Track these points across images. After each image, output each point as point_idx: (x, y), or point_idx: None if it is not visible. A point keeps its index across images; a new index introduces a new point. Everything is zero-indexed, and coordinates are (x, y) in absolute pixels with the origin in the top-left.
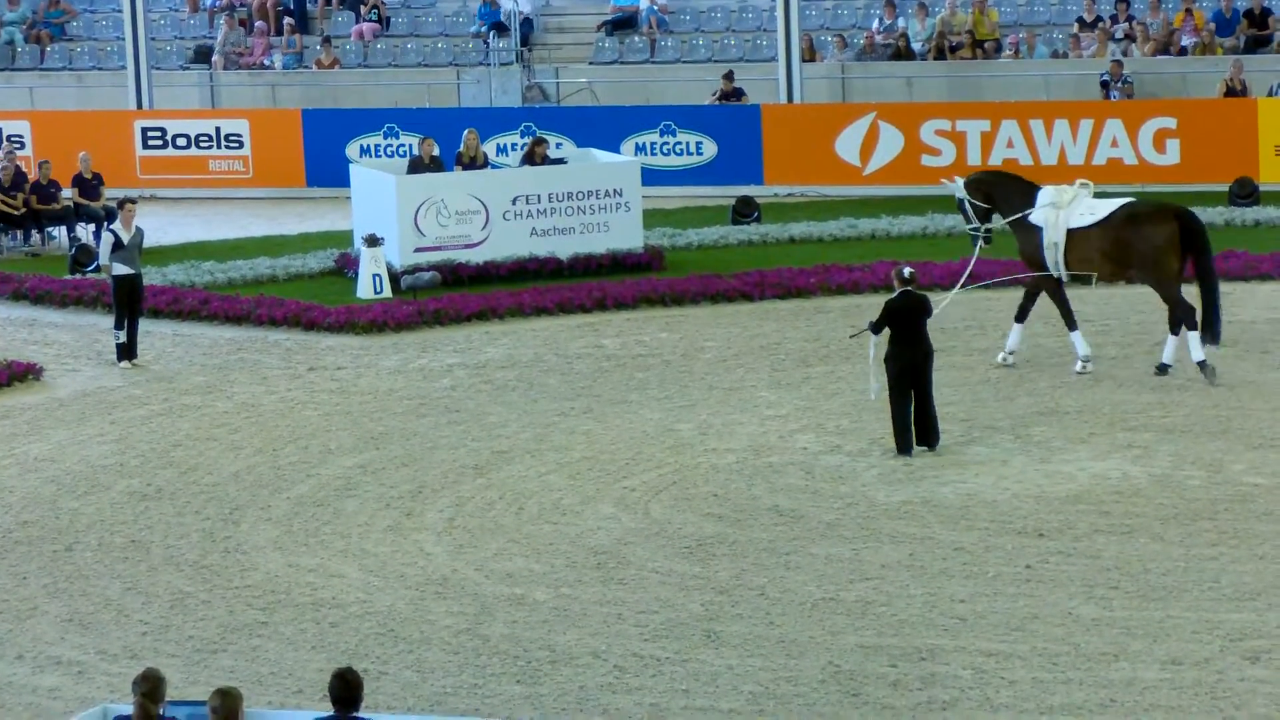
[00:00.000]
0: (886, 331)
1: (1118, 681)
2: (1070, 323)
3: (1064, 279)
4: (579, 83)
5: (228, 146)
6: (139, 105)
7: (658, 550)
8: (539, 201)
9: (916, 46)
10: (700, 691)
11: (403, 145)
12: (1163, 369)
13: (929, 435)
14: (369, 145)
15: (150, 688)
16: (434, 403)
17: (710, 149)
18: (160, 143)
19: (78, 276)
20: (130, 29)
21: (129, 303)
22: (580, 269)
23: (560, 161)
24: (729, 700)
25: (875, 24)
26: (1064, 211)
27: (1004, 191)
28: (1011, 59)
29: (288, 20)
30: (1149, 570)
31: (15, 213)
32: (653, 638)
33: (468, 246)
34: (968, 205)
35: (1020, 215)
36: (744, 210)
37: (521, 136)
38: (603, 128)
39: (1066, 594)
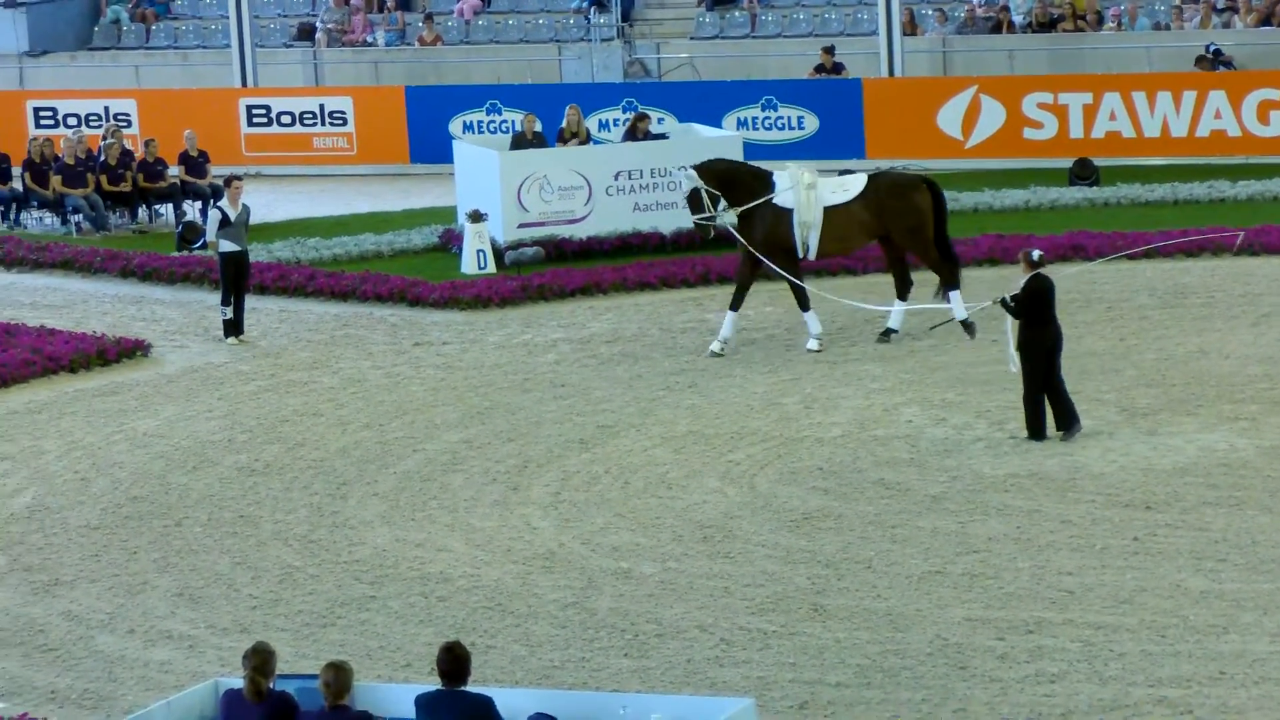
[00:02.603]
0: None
1: (1227, 654)
2: (805, 303)
3: (811, 257)
4: (680, 58)
5: (332, 123)
6: (243, 83)
7: (764, 524)
8: (641, 177)
9: (1017, 19)
10: (807, 665)
11: (505, 121)
12: (969, 327)
13: (1069, 420)
14: (472, 121)
15: (260, 661)
16: (539, 377)
17: (812, 123)
18: (265, 120)
19: (185, 254)
20: (234, 7)
21: (236, 279)
22: (683, 244)
23: (662, 137)
24: (836, 674)
25: None
26: (814, 191)
27: (740, 178)
28: (1114, 31)
29: None
30: (1257, 542)
31: (123, 191)
32: (759, 611)
33: (571, 222)
34: (703, 193)
35: (765, 200)
36: None
37: (623, 112)
38: (704, 103)
39: (1174, 566)
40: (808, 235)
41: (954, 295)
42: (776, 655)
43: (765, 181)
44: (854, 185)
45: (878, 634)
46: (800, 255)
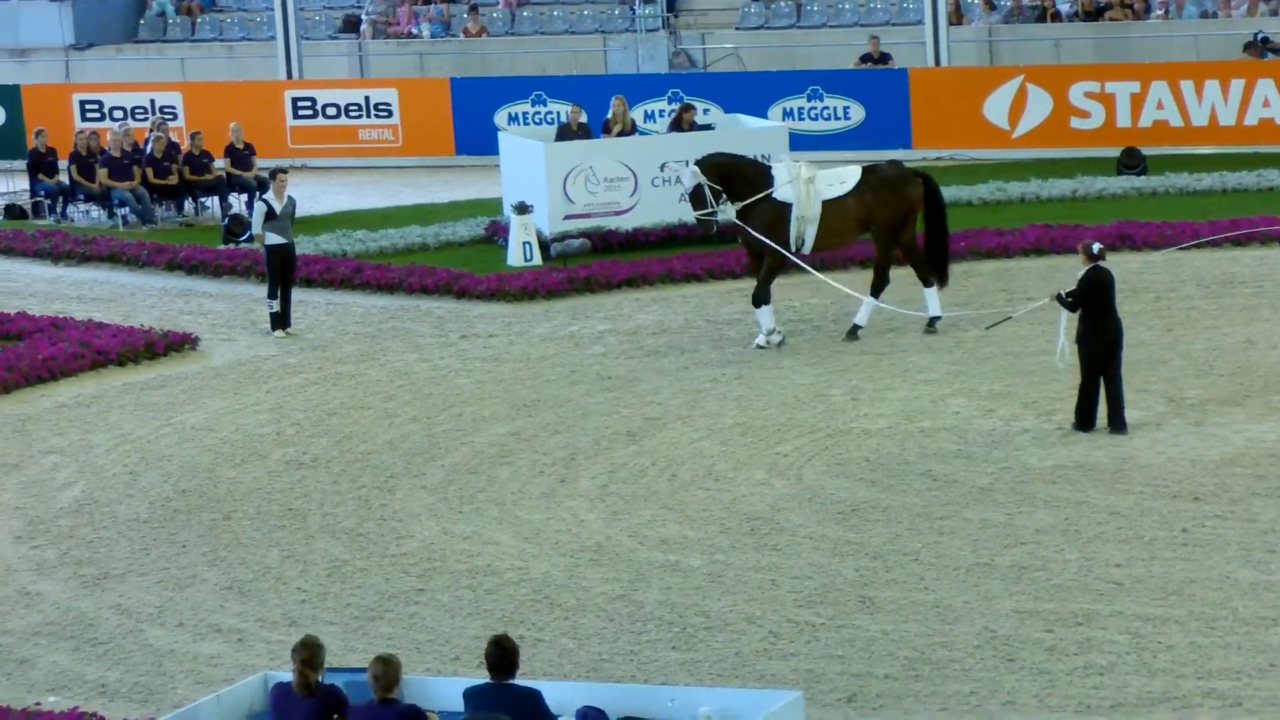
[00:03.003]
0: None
1: (1276, 646)
2: (766, 298)
3: (805, 251)
4: (725, 48)
5: (377, 115)
6: (289, 75)
7: (811, 516)
8: (687, 167)
9: (1064, 8)
10: (855, 657)
11: (550, 112)
12: (933, 323)
13: (1119, 420)
14: (517, 113)
15: (309, 655)
16: (585, 370)
17: (858, 113)
18: (310, 112)
19: (231, 246)
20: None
21: (282, 272)
22: (729, 235)
23: (708, 127)
24: (884, 666)
25: None
26: (813, 185)
27: (740, 173)
28: (1161, 19)
29: None
30: None
31: (169, 184)
32: (807, 603)
33: (617, 213)
34: (706, 189)
35: (764, 194)
36: None
37: (669, 103)
38: (749, 93)
39: (1224, 558)
40: (804, 229)
41: (929, 292)
42: (824, 648)
43: (764, 175)
44: (849, 178)
45: (926, 626)
46: (794, 249)
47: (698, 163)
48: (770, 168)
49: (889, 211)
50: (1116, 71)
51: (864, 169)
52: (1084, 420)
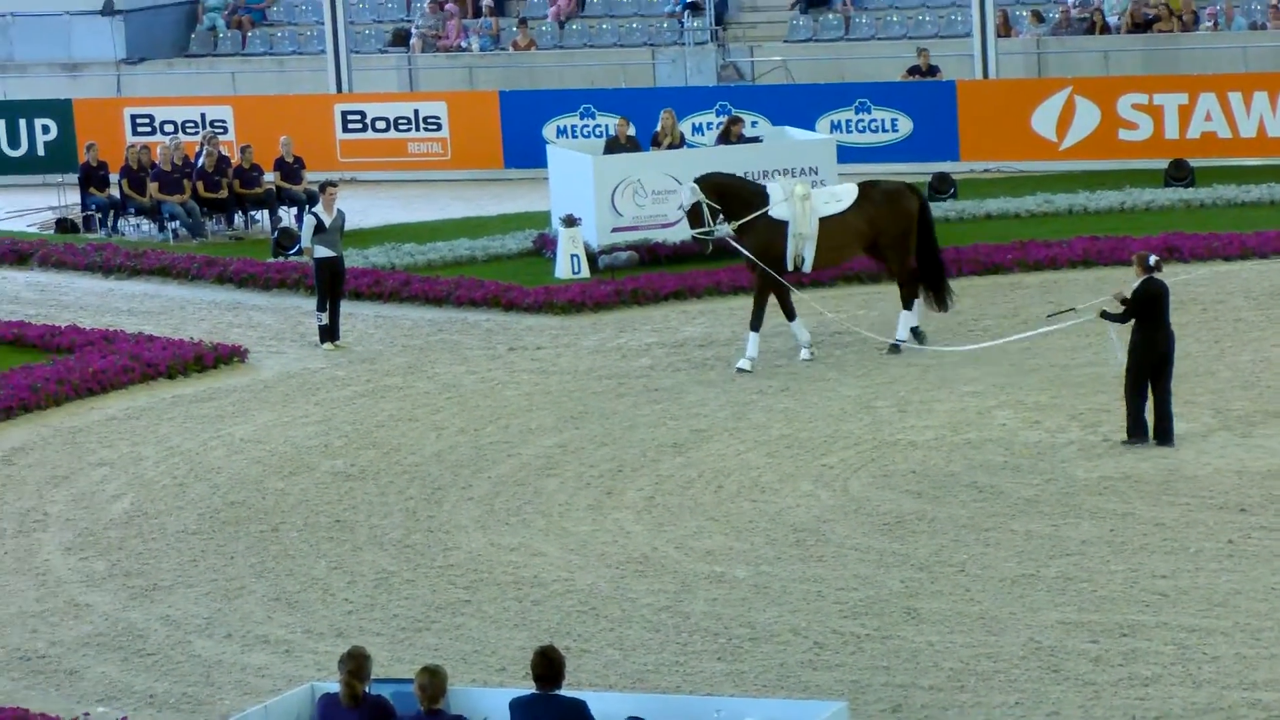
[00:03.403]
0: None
1: None
2: (791, 313)
3: (806, 270)
4: (774, 61)
5: (426, 129)
6: (338, 89)
7: (857, 527)
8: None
9: (1112, 20)
10: (900, 668)
11: (599, 125)
12: (896, 348)
13: (1166, 432)
14: (566, 126)
15: (356, 666)
16: (632, 382)
17: (905, 125)
18: (360, 126)
19: (280, 259)
20: (330, 13)
21: (331, 285)
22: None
23: (756, 140)
24: (929, 677)
25: None
26: (808, 202)
27: (737, 192)
28: (1209, 30)
29: (485, 2)
30: None
31: (219, 197)
32: (852, 614)
33: (664, 226)
34: (704, 207)
35: (761, 212)
36: (940, 187)
37: (717, 115)
38: (798, 106)
39: (1269, 569)
40: (802, 247)
41: (904, 316)
42: (869, 659)
43: (761, 194)
44: (846, 195)
45: (971, 637)
46: (792, 268)
47: (697, 180)
48: (765, 186)
49: (895, 225)
50: (1165, 83)
51: (860, 185)
52: (1135, 432)
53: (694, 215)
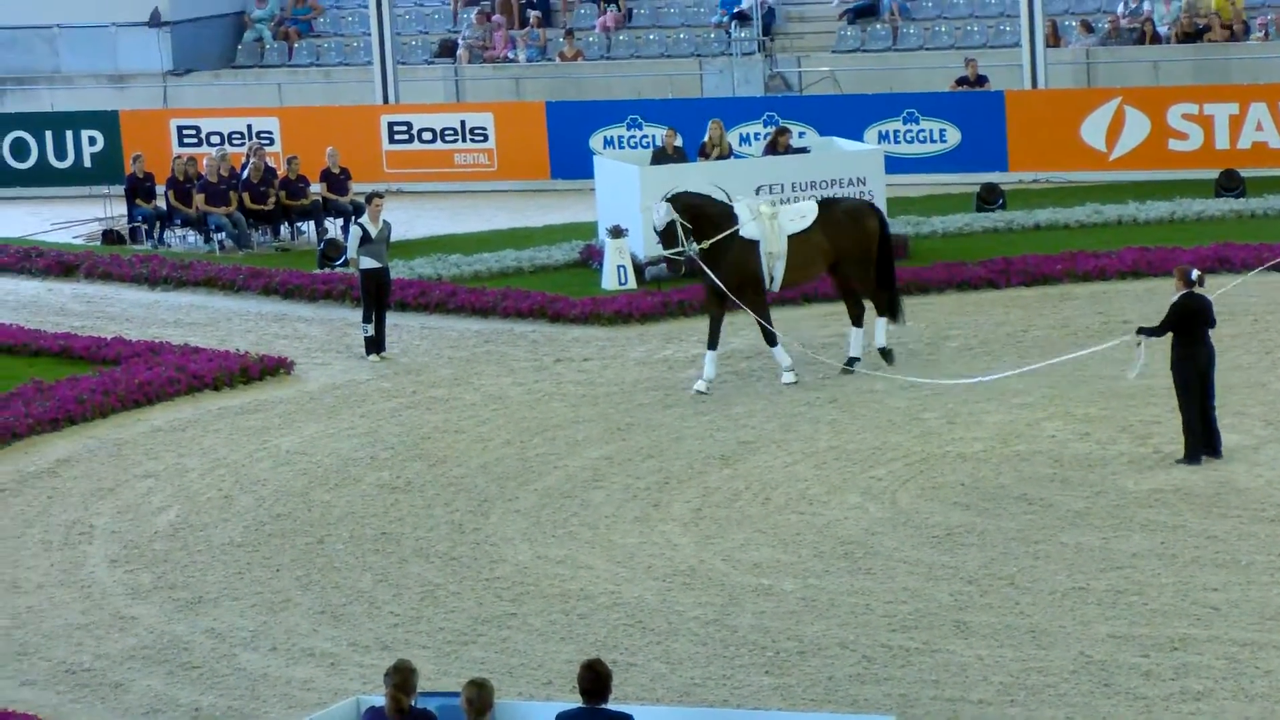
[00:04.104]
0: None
1: None
2: (773, 338)
3: (774, 289)
4: (821, 71)
5: (473, 140)
6: (385, 100)
7: (905, 540)
8: (783, 191)
9: (1162, 30)
10: (950, 682)
11: (646, 136)
12: (852, 363)
13: (1213, 442)
14: (612, 136)
15: (402, 679)
16: (679, 393)
17: (954, 136)
18: (406, 137)
19: (326, 271)
20: (376, 24)
21: (377, 296)
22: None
23: (803, 150)
24: (979, 691)
25: (1120, 8)
26: (776, 220)
27: (706, 212)
28: (1260, 40)
29: (532, 13)
30: None
31: (265, 209)
32: (901, 628)
33: None
34: (679, 226)
35: (731, 231)
36: (989, 197)
37: (764, 126)
38: (845, 116)
39: None
40: (774, 266)
41: (856, 333)
42: (918, 672)
43: (729, 214)
44: (809, 212)
45: (1021, 651)
46: (765, 287)
47: (669, 199)
48: (733, 206)
49: (858, 244)
50: (1215, 93)
51: (820, 202)
52: (1193, 453)
53: (668, 235)
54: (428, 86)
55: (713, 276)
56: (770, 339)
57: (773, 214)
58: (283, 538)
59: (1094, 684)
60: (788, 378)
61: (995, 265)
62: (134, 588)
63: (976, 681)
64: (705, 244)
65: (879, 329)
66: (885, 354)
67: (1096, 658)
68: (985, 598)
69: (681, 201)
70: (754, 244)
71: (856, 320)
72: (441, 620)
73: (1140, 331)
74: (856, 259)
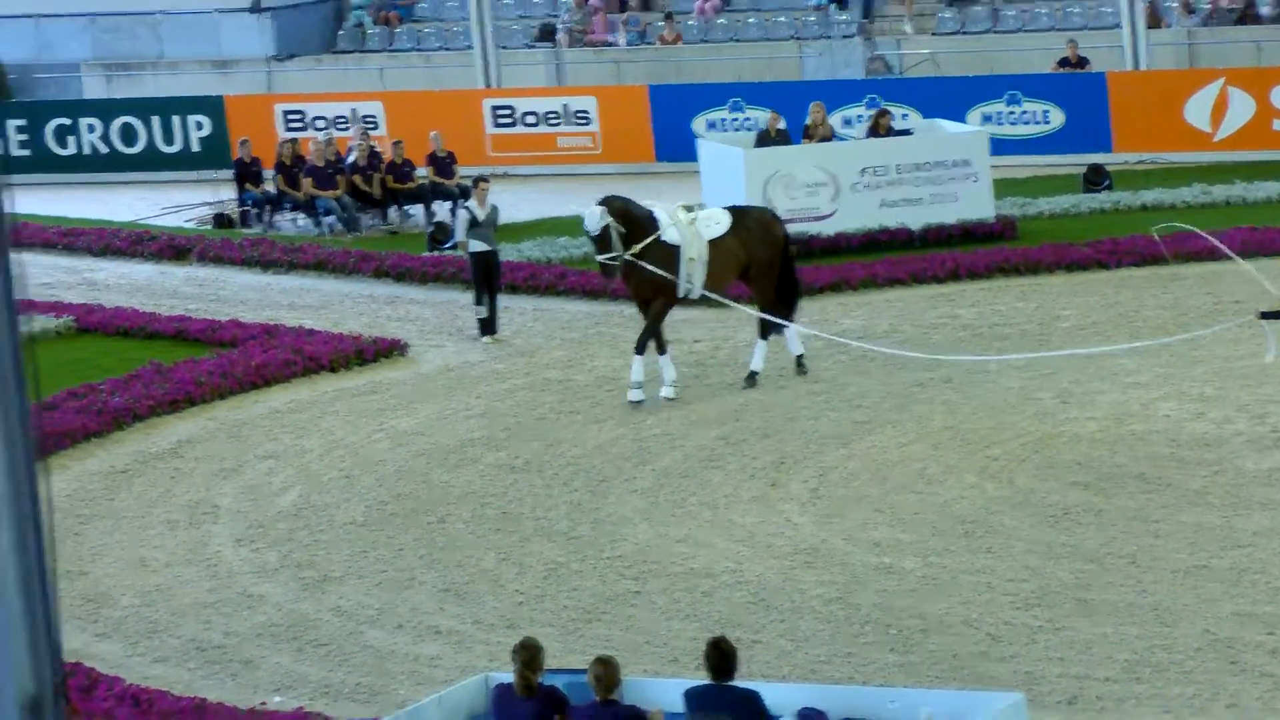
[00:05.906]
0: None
1: None
2: (661, 346)
3: (694, 295)
4: (921, 53)
5: (576, 123)
6: (486, 84)
7: (1024, 519)
8: (887, 173)
9: (1264, 10)
10: (1075, 660)
11: (748, 119)
12: (753, 378)
13: None
14: (715, 119)
15: (529, 656)
16: (792, 374)
17: (1057, 117)
18: (509, 120)
19: (435, 253)
20: (475, 9)
21: (486, 279)
22: (931, 239)
23: (906, 133)
24: (1104, 668)
25: None
26: (694, 226)
27: (634, 217)
28: None
29: None
30: None
31: (371, 192)
32: (1024, 606)
33: (817, 219)
34: (614, 231)
35: (654, 237)
36: (1095, 178)
37: (865, 108)
38: (946, 98)
39: None
40: (694, 271)
41: (762, 345)
42: (1043, 650)
43: (651, 220)
44: (723, 218)
45: (1145, 629)
46: (681, 294)
47: (603, 203)
48: (653, 212)
49: (765, 252)
50: None
51: (732, 210)
52: None
53: (602, 240)
54: (528, 71)
55: (652, 270)
56: (660, 348)
57: (691, 219)
58: (404, 517)
59: (1220, 661)
60: (668, 392)
61: (1104, 246)
62: (260, 566)
63: (1101, 659)
64: (636, 248)
65: (759, 349)
66: (799, 362)
67: (1222, 636)
68: (1107, 576)
69: (615, 206)
70: (674, 249)
71: (763, 333)
72: (565, 598)
73: (1263, 316)
74: (764, 265)
